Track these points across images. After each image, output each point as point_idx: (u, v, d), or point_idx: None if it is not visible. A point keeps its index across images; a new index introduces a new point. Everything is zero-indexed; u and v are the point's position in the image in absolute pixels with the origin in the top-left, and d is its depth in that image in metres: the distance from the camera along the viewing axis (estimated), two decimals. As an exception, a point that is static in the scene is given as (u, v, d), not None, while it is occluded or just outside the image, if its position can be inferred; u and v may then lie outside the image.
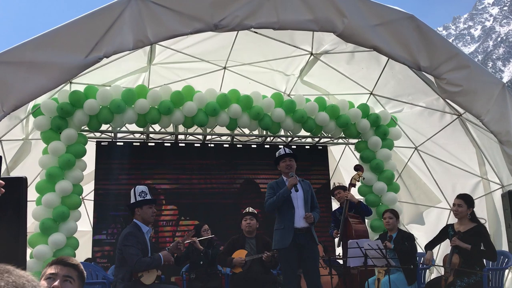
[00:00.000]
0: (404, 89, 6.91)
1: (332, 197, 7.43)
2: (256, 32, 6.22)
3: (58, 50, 4.35)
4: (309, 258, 4.74)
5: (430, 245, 5.39)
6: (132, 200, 4.67)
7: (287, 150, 5.06)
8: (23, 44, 4.35)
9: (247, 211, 5.94)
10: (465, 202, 5.18)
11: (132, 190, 4.74)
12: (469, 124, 6.45)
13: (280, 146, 7.77)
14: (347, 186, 6.44)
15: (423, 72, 5.61)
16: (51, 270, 2.07)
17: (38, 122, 6.15)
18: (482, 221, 5.21)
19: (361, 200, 6.87)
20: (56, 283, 2.01)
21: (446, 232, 5.32)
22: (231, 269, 5.61)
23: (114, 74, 6.67)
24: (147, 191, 4.72)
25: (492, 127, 5.36)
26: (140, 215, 4.64)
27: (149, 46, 6.26)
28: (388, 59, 6.14)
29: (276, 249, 4.90)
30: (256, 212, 5.99)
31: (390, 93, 7.17)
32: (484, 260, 5.11)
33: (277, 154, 5.09)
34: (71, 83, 6.51)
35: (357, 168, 6.54)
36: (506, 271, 5.70)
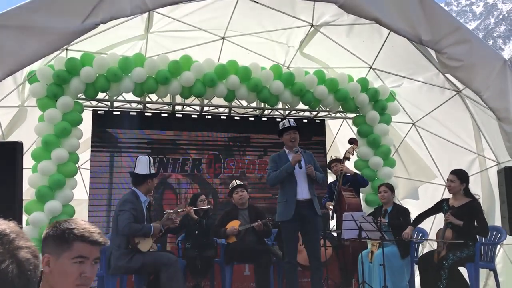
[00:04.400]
0: (404, 64, 6.85)
1: (328, 171, 7.47)
2: (256, 2, 6.11)
3: (54, 15, 4.25)
4: (310, 231, 4.84)
5: (419, 218, 5.44)
6: (145, 170, 4.67)
7: (292, 122, 5.05)
8: (19, 7, 4.26)
9: (236, 184, 5.97)
10: (457, 177, 5.23)
11: (145, 159, 4.74)
12: (468, 100, 6.43)
13: (278, 119, 7.75)
14: (342, 160, 6.46)
15: (424, 46, 5.55)
16: (82, 250, 1.66)
17: (33, 89, 6.08)
18: (476, 197, 5.25)
19: (358, 173, 6.91)
20: (88, 272, 1.65)
21: (440, 207, 5.37)
22: (226, 240, 5.67)
23: (111, 41, 6.57)
24: (152, 161, 4.79)
25: (491, 104, 5.33)
26: (149, 186, 4.68)
27: (146, 14, 6.15)
28: (389, 32, 6.05)
29: (279, 221, 4.96)
30: (243, 183, 6.04)
31: (390, 67, 7.11)
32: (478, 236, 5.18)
33: (280, 125, 5.08)
34: (67, 50, 6.42)
35: (352, 141, 6.55)
36: (498, 246, 5.78)
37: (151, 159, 4.77)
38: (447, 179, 5.35)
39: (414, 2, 5.07)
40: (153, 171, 4.72)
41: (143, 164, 4.73)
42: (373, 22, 5.21)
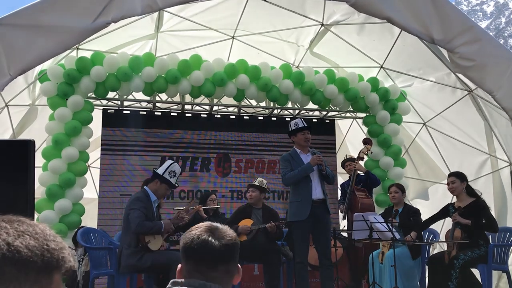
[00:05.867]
0: (415, 63, 6.79)
1: (340, 171, 7.43)
2: (266, 1, 6.09)
3: (65, 14, 4.27)
4: (322, 230, 4.81)
5: (427, 223, 5.40)
6: (162, 171, 4.66)
7: (305, 123, 5.03)
8: (30, 6, 4.27)
9: (253, 183, 5.93)
10: (457, 177, 5.20)
11: (168, 163, 4.74)
12: (480, 100, 6.36)
13: (287, 119, 7.71)
14: (356, 160, 6.40)
15: (435, 46, 5.49)
16: None
17: (44, 87, 6.12)
18: (478, 193, 5.20)
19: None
20: None
21: (446, 211, 5.32)
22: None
23: (121, 41, 6.59)
24: (177, 173, 4.70)
25: (504, 104, 5.26)
26: (156, 187, 4.65)
27: (157, 13, 6.16)
28: (401, 31, 6.00)
29: (291, 221, 4.92)
30: (264, 182, 5.91)
31: (400, 67, 7.06)
32: (490, 236, 5.13)
33: (293, 125, 5.02)
34: (78, 49, 6.45)
35: (366, 141, 6.48)
36: (511, 247, 5.71)
37: (175, 167, 4.70)
38: (448, 183, 5.30)
39: (426, 1, 5.01)
40: (167, 176, 4.66)
41: (163, 166, 4.75)
42: (384, 21, 5.17)
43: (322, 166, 4.82)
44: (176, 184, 4.75)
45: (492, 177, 6.65)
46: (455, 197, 5.42)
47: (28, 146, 2.86)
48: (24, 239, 0.93)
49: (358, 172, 6.25)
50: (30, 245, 0.93)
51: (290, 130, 5.07)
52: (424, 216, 6.20)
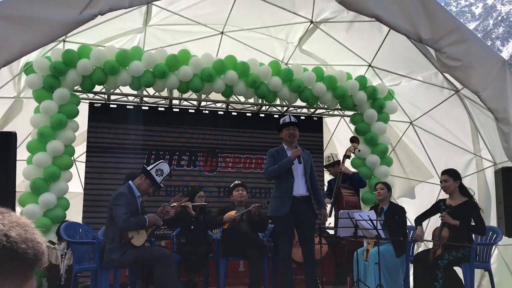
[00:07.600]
0: (403, 62, 6.83)
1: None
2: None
3: (51, 5, 4.20)
4: (305, 226, 4.80)
5: (420, 219, 5.43)
6: (150, 167, 4.65)
7: (292, 119, 5.03)
8: (15, -4, 4.20)
9: (237, 183, 5.97)
10: (450, 176, 5.21)
11: (161, 161, 4.73)
12: (466, 100, 6.41)
13: (275, 116, 7.71)
14: (342, 158, 6.42)
15: (423, 45, 5.52)
16: None
17: (30, 80, 6.04)
18: (471, 193, 5.23)
19: (356, 172, 6.86)
20: None
21: (437, 207, 5.35)
22: (222, 226, 5.66)
23: (108, 34, 6.53)
24: (165, 173, 4.66)
25: (490, 104, 5.31)
26: (139, 182, 4.62)
27: (145, 7, 6.11)
28: (389, 30, 6.03)
29: (272, 216, 4.94)
30: (245, 184, 6.03)
31: (388, 65, 7.09)
32: (473, 235, 5.17)
33: (281, 121, 5.06)
34: (64, 41, 6.38)
35: (353, 140, 6.50)
36: (493, 246, 5.78)
37: (164, 166, 4.68)
38: (441, 181, 5.33)
39: (415, 0, 5.03)
40: (153, 173, 4.63)
41: (154, 164, 4.75)
42: (373, 20, 5.17)
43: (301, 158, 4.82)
44: (160, 184, 4.72)
45: (477, 177, 6.72)
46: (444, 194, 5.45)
47: (9, 138, 2.83)
48: (16, 231, 0.94)
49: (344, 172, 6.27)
50: (23, 236, 0.94)
51: (277, 126, 5.10)
52: (410, 215, 6.25)
